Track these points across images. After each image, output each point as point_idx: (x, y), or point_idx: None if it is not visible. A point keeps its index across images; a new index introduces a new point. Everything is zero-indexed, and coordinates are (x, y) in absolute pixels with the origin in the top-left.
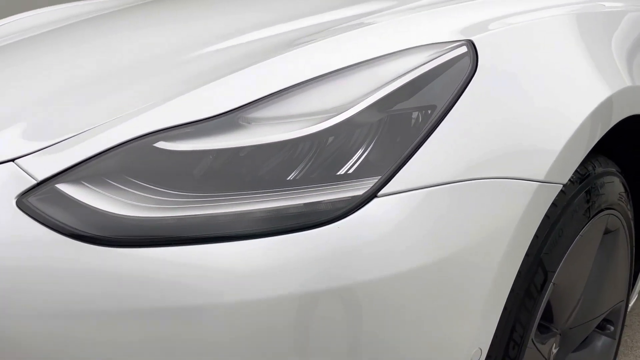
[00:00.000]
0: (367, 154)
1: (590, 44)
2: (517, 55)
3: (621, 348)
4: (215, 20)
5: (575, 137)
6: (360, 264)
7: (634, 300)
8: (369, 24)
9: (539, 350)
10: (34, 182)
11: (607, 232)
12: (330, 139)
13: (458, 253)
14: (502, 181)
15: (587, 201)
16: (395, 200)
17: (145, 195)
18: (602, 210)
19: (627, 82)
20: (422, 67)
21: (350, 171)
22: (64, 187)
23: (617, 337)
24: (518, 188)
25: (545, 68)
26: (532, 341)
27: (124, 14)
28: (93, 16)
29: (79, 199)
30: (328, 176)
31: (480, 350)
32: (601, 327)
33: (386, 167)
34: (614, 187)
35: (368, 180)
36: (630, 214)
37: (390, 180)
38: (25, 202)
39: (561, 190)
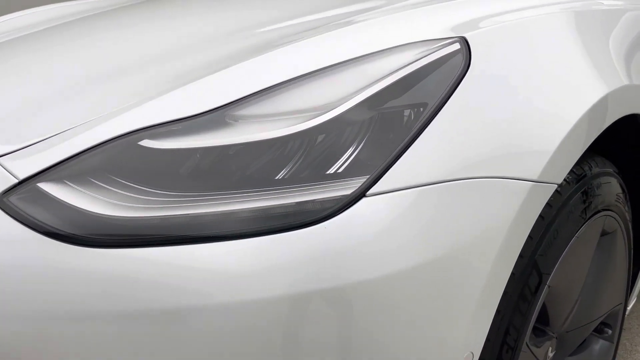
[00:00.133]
0: (357, 152)
1: (587, 42)
2: (511, 53)
3: (620, 352)
4: (204, 19)
5: (570, 136)
6: (349, 265)
7: (633, 303)
8: (361, 21)
9: (533, 354)
10: (15, 180)
11: (604, 233)
12: (319, 137)
13: (449, 254)
14: (495, 181)
15: (583, 202)
16: (385, 199)
17: (130, 194)
18: (598, 212)
19: (625, 81)
20: (413, 64)
21: (340, 170)
22: (46, 186)
23: (615, 341)
24: (511, 188)
25: (541, 66)
26: (527, 345)
27: (118, 13)
28: (87, 15)
29: (61, 198)
30: (317, 175)
31: (472, 354)
32: (599, 331)
33: (375, 166)
34: (611, 187)
35: (357, 179)
36: (628, 216)
37: (379, 180)
38: (6, 201)
39: (556, 191)
